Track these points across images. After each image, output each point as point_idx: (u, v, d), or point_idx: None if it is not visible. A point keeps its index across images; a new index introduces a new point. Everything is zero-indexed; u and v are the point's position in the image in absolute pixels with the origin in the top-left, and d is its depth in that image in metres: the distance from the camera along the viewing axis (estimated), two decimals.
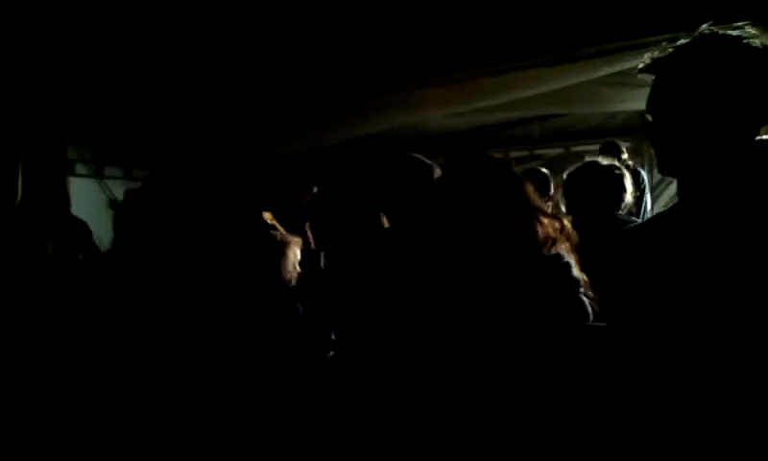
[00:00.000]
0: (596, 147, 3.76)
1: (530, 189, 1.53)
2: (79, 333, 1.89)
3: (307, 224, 4.74)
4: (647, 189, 3.99)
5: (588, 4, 2.51)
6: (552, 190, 2.93)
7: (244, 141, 3.74)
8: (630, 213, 2.40)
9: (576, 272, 1.49)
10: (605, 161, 2.39)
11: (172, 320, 1.88)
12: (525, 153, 4.98)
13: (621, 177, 2.33)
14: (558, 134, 4.82)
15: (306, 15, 2.71)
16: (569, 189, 2.37)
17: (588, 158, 2.51)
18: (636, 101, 3.59)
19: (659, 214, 1.38)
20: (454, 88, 3.21)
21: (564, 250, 1.55)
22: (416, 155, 2.08)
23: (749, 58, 1.20)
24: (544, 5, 2.58)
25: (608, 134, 4.20)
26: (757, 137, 1.29)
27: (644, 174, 3.91)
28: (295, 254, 2.84)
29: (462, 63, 2.94)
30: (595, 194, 2.30)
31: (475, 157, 1.57)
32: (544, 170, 3.01)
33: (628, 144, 3.48)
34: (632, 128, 4.16)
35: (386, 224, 2.08)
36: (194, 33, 2.81)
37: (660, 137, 1.27)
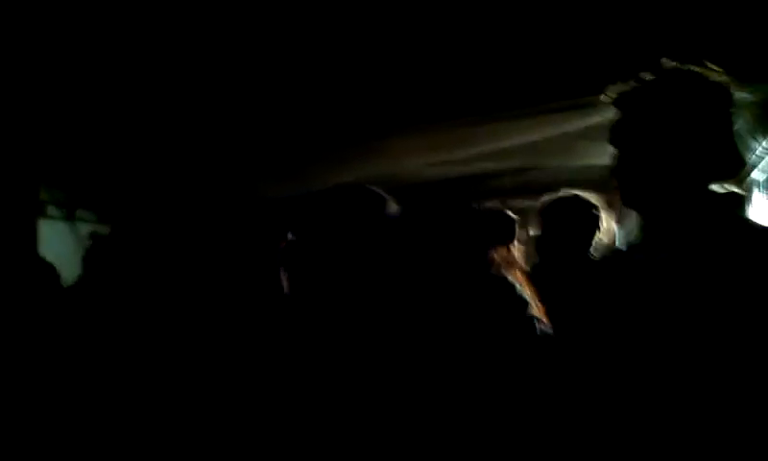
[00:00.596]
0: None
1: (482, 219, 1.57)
2: (48, 370, 1.84)
3: (282, 270, 4.69)
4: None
5: (562, 58, 2.60)
6: (516, 234, 2.96)
7: (217, 183, 3.74)
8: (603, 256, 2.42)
9: (523, 292, 1.53)
10: (584, 195, 2.42)
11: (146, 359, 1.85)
12: (498, 204, 5.06)
13: (596, 215, 2.37)
14: (530, 187, 4.90)
15: (284, 60, 2.75)
16: (544, 219, 2.40)
17: (563, 192, 2.53)
18: (606, 155, 3.68)
19: (625, 248, 1.41)
20: (427, 139, 3.27)
21: (514, 276, 1.60)
22: (369, 186, 2.10)
23: (710, 91, 1.24)
24: (518, 58, 2.66)
25: (579, 188, 4.30)
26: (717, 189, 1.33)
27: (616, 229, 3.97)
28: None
29: (438, 114, 3.00)
30: (568, 226, 2.34)
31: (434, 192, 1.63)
32: (510, 213, 3.04)
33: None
34: (603, 182, 4.25)
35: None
36: (173, 74, 2.82)
37: (623, 170, 1.31)
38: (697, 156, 1.27)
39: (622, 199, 1.36)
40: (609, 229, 2.47)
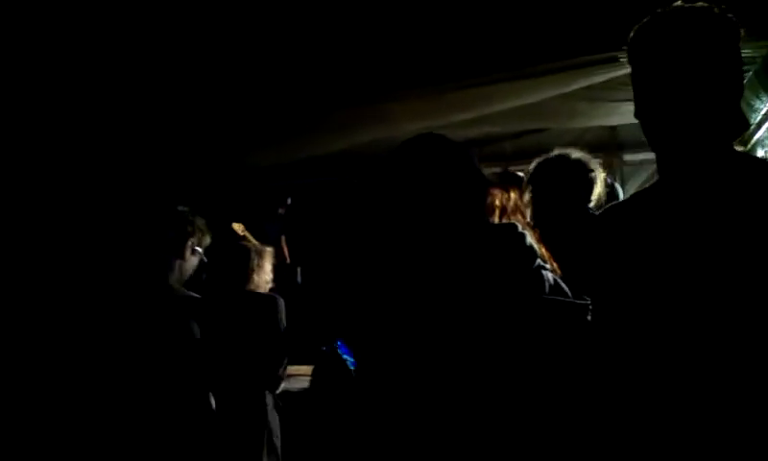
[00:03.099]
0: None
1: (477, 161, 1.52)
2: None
3: (282, 238, 4.70)
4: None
5: (559, 18, 2.55)
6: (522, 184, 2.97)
7: (215, 153, 3.70)
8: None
9: (532, 242, 1.49)
10: (575, 154, 2.41)
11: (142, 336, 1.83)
12: (499, 170, 5.04)
13: (590, 172, 2.35)
14: (530, 152, 4.86)
15: (279, 29, 2.71)
16: (537, 179, 2.40)
17: (557, 151, 2.53)
18: (607, 116, 3.65)
19: (638, 193, 1.41)
20: (427, 102, 3.22)
21: (518, 221, 1.56)
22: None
23: (714, 24, 1.22)
24: (515, 19, 2.61)
25: (581, 149, 4.27)
26: (738, 149, 1.33)
27: (619, 189, 3.94)
28: (270, 263, 2.83)
29: (434, 77, 2.96)
30: (563, 186, 2.33)
31: (423, 137, 1.57)
32: (520, 173, 3.03)
33: (600, 160, 3.56)
34: (603, 144, 4.22)
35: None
36: (164, 41, 2.77)
37: (643, 112, 1.30)
38: (711, 77, 1.24)
39: (650, 143, 1.34)
40: (601, 188, 2.46)
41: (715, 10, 1.25)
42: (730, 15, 1.24)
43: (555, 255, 1.72)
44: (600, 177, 2.44)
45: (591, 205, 2.39)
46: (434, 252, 1.42)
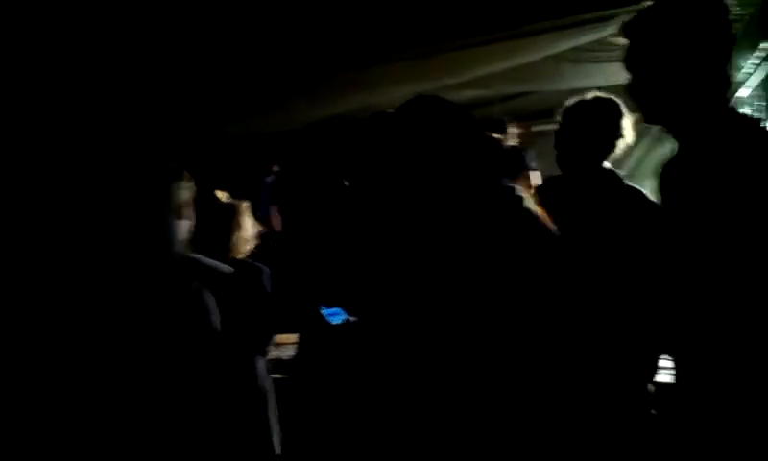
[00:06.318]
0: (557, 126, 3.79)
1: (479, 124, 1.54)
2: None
3: (273, 207, 4.68)
4: None
5: None
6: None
7: (197, 122, 3.66)
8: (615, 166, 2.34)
9: (530, 204, 1.52)
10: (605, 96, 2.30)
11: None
12: (488, 133, 5.06)
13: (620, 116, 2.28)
14: (519, 115, 4.90)
15: None
16: (567, 122, 2.31)
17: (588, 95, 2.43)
18: (593, 77, 3.66)
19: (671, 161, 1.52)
20: (414, 66, 3.21)
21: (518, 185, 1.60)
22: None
23: (707, 8, 1.40)
24: None
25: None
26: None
27: None
28: (249, 219, 2.77)
29: (420, 40, 2.94)
30: (593, 125, 2.24)
31: (423, 100, 1.58)
32: (512, 143, 3.01)
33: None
34: None
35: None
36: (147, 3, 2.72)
37: (640, 91, 1.42)
38: (687, 74, 1.37)
39: (645, 117, 1.50)
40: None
41: None
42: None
43: (557, 210, 1.72)
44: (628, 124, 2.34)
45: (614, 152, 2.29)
46: (435, 216, 1.43)
